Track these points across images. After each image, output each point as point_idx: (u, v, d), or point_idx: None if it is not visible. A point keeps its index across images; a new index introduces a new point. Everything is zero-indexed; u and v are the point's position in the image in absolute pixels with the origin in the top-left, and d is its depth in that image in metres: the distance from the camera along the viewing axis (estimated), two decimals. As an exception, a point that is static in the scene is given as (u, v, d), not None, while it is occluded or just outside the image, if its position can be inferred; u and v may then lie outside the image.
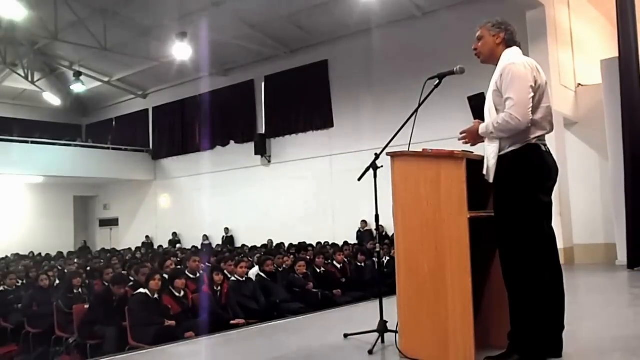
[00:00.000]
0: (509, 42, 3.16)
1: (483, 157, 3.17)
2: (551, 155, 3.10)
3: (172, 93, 19.99)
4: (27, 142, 18.27)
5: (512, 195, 2.99)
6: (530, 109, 2.93)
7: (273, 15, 14.47)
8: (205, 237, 18.35)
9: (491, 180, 3.08)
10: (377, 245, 4.67)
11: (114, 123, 22.79)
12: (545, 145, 3.06)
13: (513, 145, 3.00)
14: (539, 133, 3.00)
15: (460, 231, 3.06)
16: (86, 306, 6.52)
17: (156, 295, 6.01)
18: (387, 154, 3.43)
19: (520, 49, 3.20)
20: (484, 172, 3.12)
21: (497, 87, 3.04)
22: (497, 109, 3.04)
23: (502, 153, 3.03)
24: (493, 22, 3.21)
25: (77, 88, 18.92)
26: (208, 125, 18.46)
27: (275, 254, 9.08)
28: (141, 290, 6.00)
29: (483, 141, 3.16)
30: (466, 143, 3.25)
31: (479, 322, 3.12)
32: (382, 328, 3.74)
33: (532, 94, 2.95)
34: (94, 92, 21.11)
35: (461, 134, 3.25)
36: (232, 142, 18.23)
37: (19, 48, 18.20)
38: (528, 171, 2.97)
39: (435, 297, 3.16)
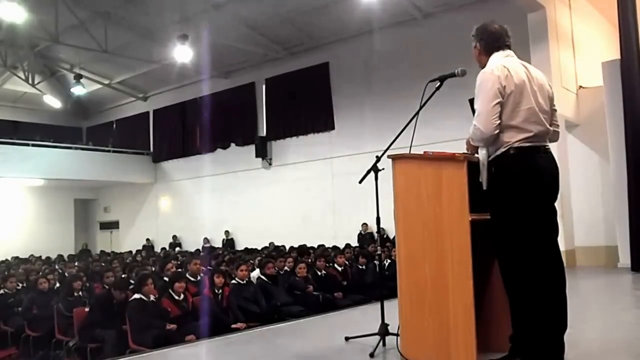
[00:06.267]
0: (487, 50, 3.19)
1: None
2: (548, 156, 3.07)
3: (172, 95, 20.00)
4: (27, 144, 18.25)
5: (500, 199, 3.01)
6: (495, 118, 2.95)
7: (274, 18, 14.48)
8: (206, 240, 18.33)
9: (485, 186, 3.08)
10: (378, 247, 4.65)
11: (114, 126, 22.82)
12: (539, 147, 3.02)
13: (497, 151, 3.02)
14: (521, 136, 2.98)
15: (461, 233, 3.05)
16: (86, 309, 6.50)
17: (152, 298, 6.00)
18: (388, 156, 3.42)
19: (508, 48, 3.17)
20: (480, 179, 3.12)
21: None
22: None
23: (490, 159, 3.06)
24: (473, 32, 3.26)
25: (78, 91, 18.94)
26: (209, 127, 18.46)
27: (276, 257, 9.06)
28: (136, 295, 5.98)
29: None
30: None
31: (480, 324, 3.11)
32: (384, 331, 3.73)
33: (499, 100, 2.95)
34: (95, 94, 21.13)
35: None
36: (232, 144, 18.23)
37: (20, 51, 18.20)
38: (512, 175, 2.97)
39: (436, 300, 3.15)
